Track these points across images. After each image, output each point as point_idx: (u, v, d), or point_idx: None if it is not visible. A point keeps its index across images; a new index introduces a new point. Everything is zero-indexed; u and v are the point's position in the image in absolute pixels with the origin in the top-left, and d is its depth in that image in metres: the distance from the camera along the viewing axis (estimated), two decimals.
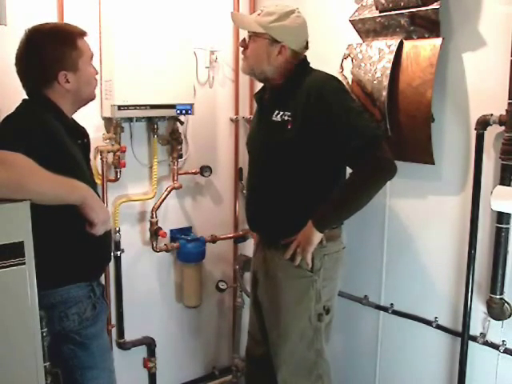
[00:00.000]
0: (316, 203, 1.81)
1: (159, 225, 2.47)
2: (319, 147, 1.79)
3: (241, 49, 1.94)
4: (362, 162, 1.75)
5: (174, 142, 2.48)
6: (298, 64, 1.87)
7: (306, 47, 1.89)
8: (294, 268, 1.85)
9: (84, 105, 1.65)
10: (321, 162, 1.83)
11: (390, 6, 1.92)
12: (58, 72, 1.51)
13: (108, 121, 2.30)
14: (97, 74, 1.65)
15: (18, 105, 1.54)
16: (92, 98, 1.65)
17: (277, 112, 1.83)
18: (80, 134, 1.64)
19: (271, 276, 1.92)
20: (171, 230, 2.59)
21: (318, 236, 1.80)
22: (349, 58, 2.10)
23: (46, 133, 1.44)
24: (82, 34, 1.58)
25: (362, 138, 1.73)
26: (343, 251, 1.96)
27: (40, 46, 1.51)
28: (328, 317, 1.92)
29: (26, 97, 1.57)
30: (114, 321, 2.45)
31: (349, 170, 1.89)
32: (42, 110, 1.51)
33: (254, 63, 1.87)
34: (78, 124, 1.67)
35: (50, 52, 1.51)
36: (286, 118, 1.80)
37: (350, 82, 2.10)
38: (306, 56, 1.91)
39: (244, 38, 1.91)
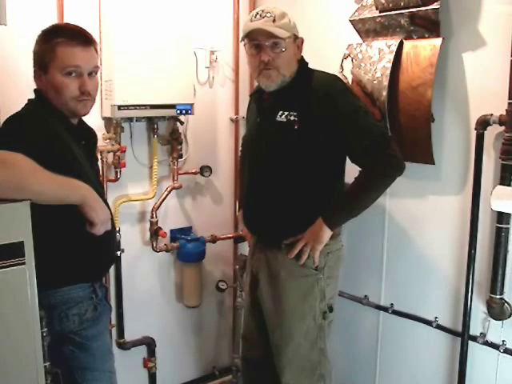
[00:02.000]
0: (319, 203, 1.83)
1: (159, 225, 2.47)
2: (326, 147, 1.80)
3: (261, 66, 1.79)
4: (371, 161, 1.77)
5: (174, 141, 2.48)
6: (299, 64, 1.88)
7: None
8: (299, 267, 1.85)
9: (69, 116, 1.55)
10: (324, 161, 1.84)
11: (390, 5, 1.92)
12: (34, 67, 1.53)
13: (108, 121, 2.30)
14: (84, 88, 1.51)
15: (22, 105, 1.55)
16: (73, 111, 1.53)
17: (281, 112, 1.82)
18: (85, 135, 1.64)
19: (274, 276, 1.92)
20: (171, 230, 2.59)
21: (328, 234, 1.81)
22: (349, 58, 2.10)
23: (47, 133, 1.44)
24: (73, 40, 1.49)
25: (372, 137, 1.76)
26: (343, 249, 1.97)
27: (36, 40, 1.53)
28: (332, 315, 1.93)
29: (26, 96, 1.57)
30: (114, 321, 2.45)
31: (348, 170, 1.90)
32: (44, 110, 1.51)
33: (286, 69, 1.81)
34: (85, 124, 1.66)
35: (36, 46, 1.52)
36: (292, 118, 1.80)
37: (350, 82, 2.10)
38: (302, 56, 1.91)
39: (263, 53, 1.77)
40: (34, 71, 1.54)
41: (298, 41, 1.85)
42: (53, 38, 1.49)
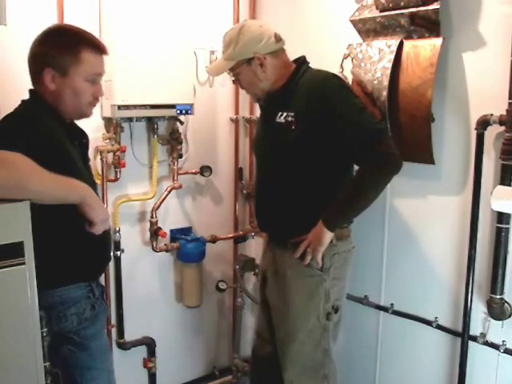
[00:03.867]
0: (324, 202, 1.83)
1: (159, 225, 2.47)
2: (324, 146, 1.80)
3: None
4: (367, 158, 1.76)
5: (174, 141, 2.48)
6: (297, 64, 1.89)
7: (280, 39, 1.88)
8: (304, 267, 1.86)
9: (73, 118, 1.59)
10: (326, 160, 1.84)
11: (390, 5, 1.92)
12: (45, 67, 1.48)
13: (108, 121, 2.30)
14: (98, 95, 1.58)
15: (17, 105, 1.54)
16: (83, 114, 1.58)
17: (280, 113, 1.84)
18: (78, 135, 1.64)
19: (280, 274, 1.93)
20: (171, 230, 2.60)
21: (329, 236, 1.81)
22: (349, 58, 2.10)
23: (44, 133, 1.44)
24: (96, 48, 1.53)
25: (367, 134, 1.75)
26: (352, 251, 1.97)
27: (44, 40, 1.51)
28: (337, 316, 1.93)
29: (25, 97, 1.56)
30: (114, 321, 2.45)
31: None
32: (40, 110, 1.50)
33: (253, 89, 1.95)
34: (76, 125, 1.66)
35: (48, 47, 1.49)
36: (289, 118, 1.81)
37: (350, 82, 2.10)
38: (304, 56, 1.92)
39: (232, 80, 2.02)
40: (43, 71, 1.48)
41: (252, 61, 1.85)
42: (76, 42, 1.50)
